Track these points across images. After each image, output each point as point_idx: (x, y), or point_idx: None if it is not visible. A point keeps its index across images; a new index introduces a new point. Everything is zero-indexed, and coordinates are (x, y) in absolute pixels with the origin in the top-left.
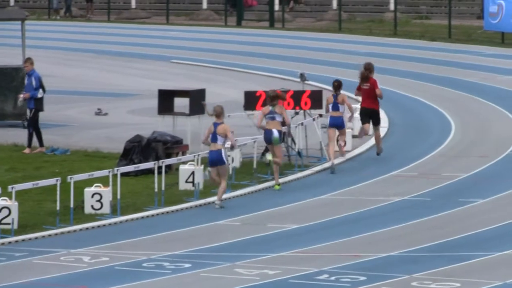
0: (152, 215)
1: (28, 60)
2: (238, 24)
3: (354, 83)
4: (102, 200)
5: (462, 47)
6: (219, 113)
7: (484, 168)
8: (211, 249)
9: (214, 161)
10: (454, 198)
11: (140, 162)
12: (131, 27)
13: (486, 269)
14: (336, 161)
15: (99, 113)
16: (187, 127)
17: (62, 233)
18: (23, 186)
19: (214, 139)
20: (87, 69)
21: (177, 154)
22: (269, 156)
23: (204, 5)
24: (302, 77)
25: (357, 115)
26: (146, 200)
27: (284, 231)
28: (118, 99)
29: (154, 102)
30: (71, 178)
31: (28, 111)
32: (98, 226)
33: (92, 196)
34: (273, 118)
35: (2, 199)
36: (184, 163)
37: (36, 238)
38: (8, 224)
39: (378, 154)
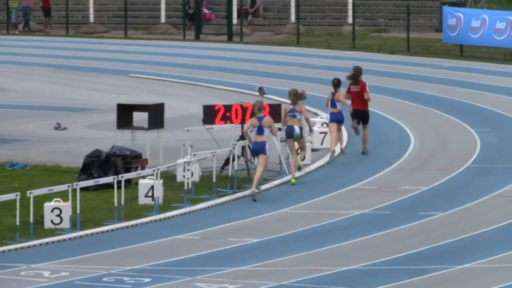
0: (112, 230)
1: None
2: (197, 38)
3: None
4: (61, 215)
5: (420, 60)
6: (260, 108)
7: (443, 181)
8: (171, 264)
9: (257, 150)
10: (414, 212)
11: (99, 176)
12: (89, 41)
13: (447, 282)
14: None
15: (58, 127)
16: (146, 141)
17: (22, 248)
18: None
19: (260, 131)
20: (45, 83)
21: (136, 169)
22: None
23: (162, 19)
24: (261, 91)
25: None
26: (105, 214)
27: (244, 245)
28: (77, 113)
29: (113, 117)
30: (30, 193)
31: None
32: (58, 241)
33: (52, 210)
34: (294, 116)
35: None
36: (144, 177)
37: None
38: None
39: (364, 153)
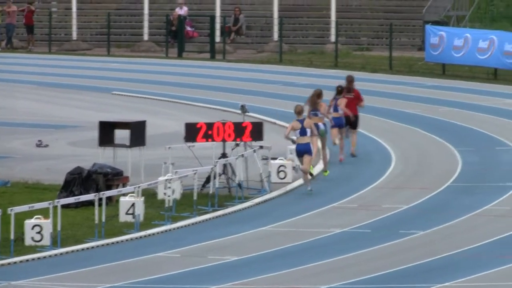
0: (93, 247)
1: None
2: (179, 55)
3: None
4: (42, 232)
5: (403, 78)
6: (300, 111)
7: (425, 200)
8: (151, 281)
9: (303, 151)
10: (395, 230)
11: (80, 194)
12: (72, 58)
13: None
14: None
15: (39, 145)
16: (127, 158)
17: (2, 265)
18: None
19: (303, 133)
20: (28, 100)
21: (117, 186)
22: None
23: (145, 36)
24: (243, 109)
25: None
26: (86, 231)
27: (225, 263)
28: (59, 130)
29: (94, 134)
30: (11, 209)
31: None
32: (39, 258)
33: (33, 228)
34: (315, 115)
35: None
36: (125, 195)
37: None
38: None
39: (353, 156)
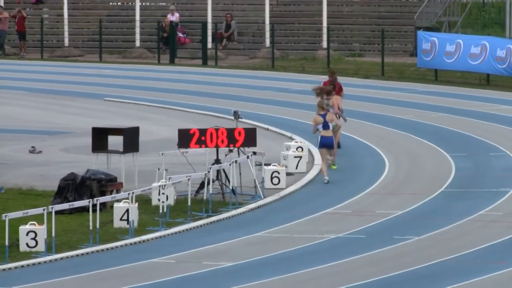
0: (87, 253)
1: None
2: (171, 62)
3: (290, 121)
4: (37, 238)
5: (395, 84)
6: (323, 106)
7: (418, 206)
8: (146, 287)
9: (328, 144)
10: (389, 236)
11: (74, 200)
12: (64, 65)
13: None
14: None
15: (33, 151)
16: (121, 165)
17: None
18: None
19: (326, 126)
20: (20, 107)
21: (111, 192)
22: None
23: (137, 43)
24: (236, 115)
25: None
26: (80, 237)
27: (219, 269)
28: (52, 137)
29: (87, 140)
30: (5, 216)
31: None
32: (33, 264)
33: (27, 234)
34: (328, 110)
35: None
36: (119, 201)
37: None
38: None
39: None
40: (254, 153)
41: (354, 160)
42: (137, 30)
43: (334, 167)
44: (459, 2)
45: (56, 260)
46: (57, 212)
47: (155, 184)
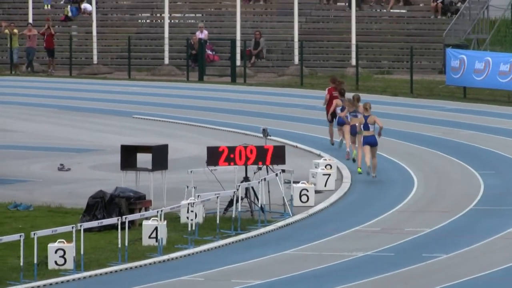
0: (116, 271)
1: None
2: (200, 79)
3: (317, 138)
4: (65, 256)
5: (424, 102)
6: (367, 107)
7: (447, 223)
8: None
9: (371, 142)
10: (418, 253)
11: (103, 217)
12: (93, 82)
13: None
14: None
15: (61, 168)
16: (150, 182)
17: None
18: None
19: (367, 127)
20: (49, 124)
21: (140, 210)
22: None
23: (166, 60)
24: (265, 132)
25: None
26: (109, 255)
27: (248, 287)
28: (80, 154)
29: (116, 158)
30: (34, 233)
31: None
32: (62, 282)
33: (56, 251)
34: (355, 116)
35: None
36: (147, 218)
37: None
38: None
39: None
40: (283, 170)
41: (382, 178)
42: (166, 47)
43: (359, 170)
44: (488, 19)
45: (84, 278)
46: (85, 230)
47: (184, 202)
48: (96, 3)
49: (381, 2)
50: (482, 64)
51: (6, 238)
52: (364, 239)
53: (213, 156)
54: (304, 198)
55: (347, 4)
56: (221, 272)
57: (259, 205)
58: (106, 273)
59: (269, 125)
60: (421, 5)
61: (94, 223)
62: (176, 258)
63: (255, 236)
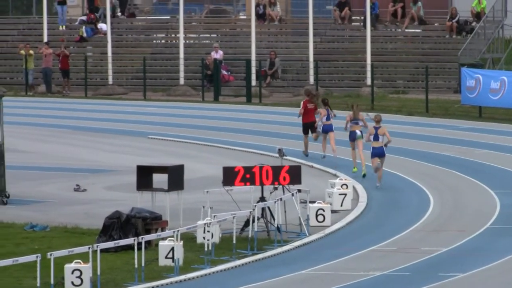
0: None
1: None
2: (215, 99)
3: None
4: (82, 276)
5: (439, 121)
6: (379, 120)
7: (463, 242)
8: None
9: (379, 153)
10: (434, 273)
11: (119, 238)
12: (108, 103)
13: None
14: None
15: (77, 189)
16: (166, 202)
17: None
18: (3, 263)
19: (377, 138)
20: (64, 145)
21: (156, 230)
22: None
23: (181, 81)
24: (280, 152)
25: None
26: (126, 276)
27: None
28: (96, 175)
29: (132, 178)
30: (51, 254)
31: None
32: None
33: (72, 272)
34: (356, 123)
35: None
36: (164, 239)
37: None
38: None
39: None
40: (299, 190)
41: (398, 197)
42: (181, 67)
43: (356, 171)
44: (503, 38)
45: None
46: (102, 250)
47: (200, 222)
48: (111, 23)
49: (396, 22)
50: (497, 84)
51: (23, 259)
52: (380, 258)
53: (229, 176)
54: (320, 218)
55: (362, 24)
56: None
57: (276, 225)
58: None
59: (284, 145)
60: (436, 24)
61: (110, 244)
62: (193, 278)
63: (271, 256)
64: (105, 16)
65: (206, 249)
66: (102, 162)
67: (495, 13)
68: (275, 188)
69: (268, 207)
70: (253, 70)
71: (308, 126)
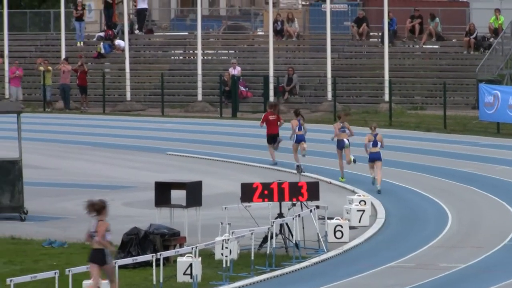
0: None
1: None
2: (233, 115)
3: (351, 174)
4: None
5: (457, 137)
6: (375, 127)
7: (481, 259)
8: None
9: (375, 158)
10: None
11: (138, 254)
12: (126, 119)
13: None
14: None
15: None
16: (184, 219)
17: None
18: (21, 279)
19: (375, 144)
20: (83, 161)
21: (174, 247)
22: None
23: (199, 97)
24: (299, 168)
25: None
26: None
27: None
28: (114, 191)
29: (150, 194)
30: (69, 270)
31: None
32: None
33: None
34: (344, 131)
35: None
36: (182, 255)
37: None
38: None
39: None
40: (317, 207)
41: (417, 213)
42: (199, 84)
43: (342, 179)
44: None
45: None
46: (120, 267)
47: (218, 238)
48: (129, 39)
49: (413, 38)
50: None
51: (41, 275)
52: (399, 275)
53: (247, 192)
54: (338, 234)
55: (379, 40)
56: None
57: (294, 241)
58: None
59: (303, 162)
60: (453, 40)
61: (128, 260)
62: None
63: (289, 272)
64: (123, 33)
65: (224, 265)
66: (121, 178)
67: None
68: (293, 205)
69: (286, 223)
70: (271, 86)
71: (271, 137)
